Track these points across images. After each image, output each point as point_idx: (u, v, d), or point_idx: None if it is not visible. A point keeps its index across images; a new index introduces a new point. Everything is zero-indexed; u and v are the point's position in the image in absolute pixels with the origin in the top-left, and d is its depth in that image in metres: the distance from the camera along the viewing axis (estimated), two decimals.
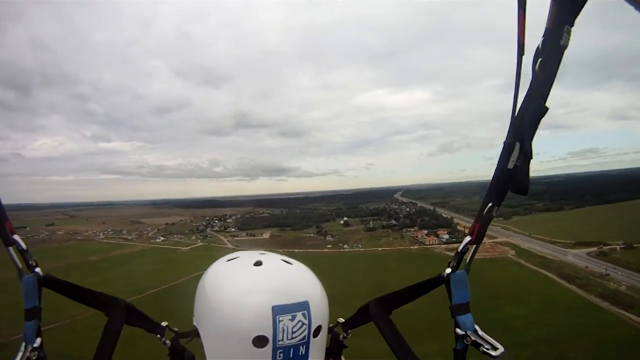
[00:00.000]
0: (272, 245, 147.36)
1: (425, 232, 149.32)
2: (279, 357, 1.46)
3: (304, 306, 1.51)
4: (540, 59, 1.37)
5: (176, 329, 1.97)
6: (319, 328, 1.57)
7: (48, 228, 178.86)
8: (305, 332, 1.49)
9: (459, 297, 1.78)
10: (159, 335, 2.00)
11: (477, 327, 1.75)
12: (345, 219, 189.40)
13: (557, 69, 1.36)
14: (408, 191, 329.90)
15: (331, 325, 2.26)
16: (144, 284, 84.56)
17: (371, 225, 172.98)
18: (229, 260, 1.77)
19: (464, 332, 1.73)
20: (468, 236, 1.80)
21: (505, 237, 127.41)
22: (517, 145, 1.48)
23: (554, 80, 1.37)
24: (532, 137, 1.48)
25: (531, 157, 1.49)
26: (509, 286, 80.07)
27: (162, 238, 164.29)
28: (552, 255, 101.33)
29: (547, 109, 1.41)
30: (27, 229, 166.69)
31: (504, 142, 1.55)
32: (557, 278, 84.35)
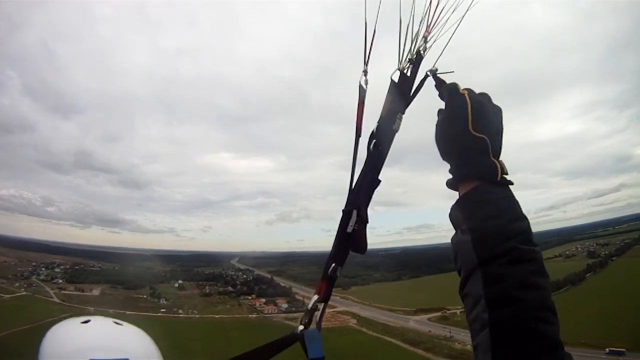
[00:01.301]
0: (102, 305, 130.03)
1: (264, 300, 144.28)
2: None
3: None
4: (374, 140, 1.64)
5: None
6: None
7: None
8: None
9: (314, 353, 1.77)
10: None
11: None
12: (180, 282, 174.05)
13: (388, 149, 1.66)
14: (245, 257, 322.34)
15: None
16: None
17: (207, 291, 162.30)
18: (68, 320, 1.74)
19: None
20: (316, 295, 1.83)
21: (345, 306, 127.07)
22: (355, 212, 1.66)
23: (385, 157, 1.66)
24: (368, 205, 1.69)
25: (367, 222, 1.70)
26: (353, 354, 77.53)
27: None
28: (394, 322, 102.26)
29: (379, 181, 1.68)
30: None
31: (343, 210, 1.72)
32: (401, 343, 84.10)
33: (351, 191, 1.70)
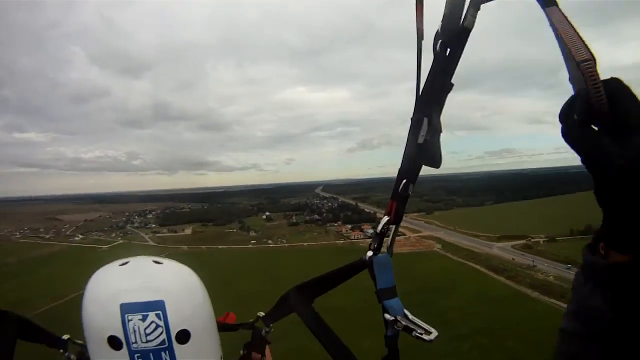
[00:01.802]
0: (195, 242, 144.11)
1: (350, 226, 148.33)
2: None
3: (157, 306, 1.37)
4: (440, 40, 1.38)
5: (81, 342, 1.76)
6: (184, 333, 1.41)
7: None
8: (164, 336, 1.35)
9: (384, 281, 1.68)
10: (61, 350, 1.87)
11: (406, 311, 1.65)
12: (267, 213, 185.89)
13: (460, 49, 1.37)
14: (328, 186, 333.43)
15: (251, 320, 2.29)
16: (64, 287, 75.57)
17: (294, 220, 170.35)
18: (108, 264, 1.63)
19: (393, 317, 1.62)
20: (386, 216, 1.67)
21: (430, 231, 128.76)
22: (425, 120, 1.46)
23: (458, 58, 1.38)
24: (440, 113, 1.48)
25: (440, 131, 1.49)
26: (439, 279, 79.63)
27: (80, 236, 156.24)
28: (478, 248, 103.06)
29: (452, 85, 1.42)
30: None
31: (412, 119, 1.52)
32: (485, 270, 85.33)
33: (419, 98, 1.51)
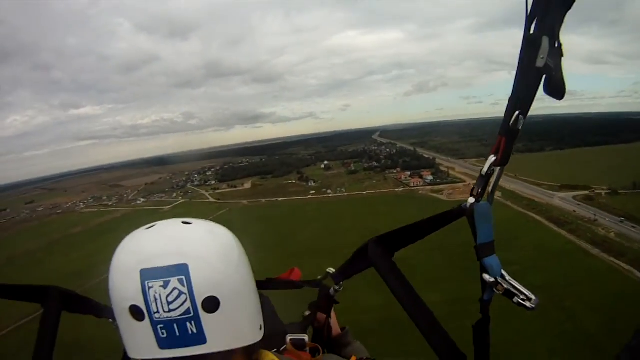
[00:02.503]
0: (255, 196, 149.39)
1: (409, 173, 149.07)
2: (162, 333, 1.22)
3: (180, 270, 1.23)
4: None
5: None
6: (213, 301, 1.26)
7: (28, 206, 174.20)
8: (188, 304, 1.22)
9: (484, 235, 1.43)
10: (110, 320, 1.82)
11: (504, 272, 1.44)
12: (325, 162, 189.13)
13: None
14: (386, 131, 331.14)
15: (319, 277, 2.24)
16: None
17: (352, 168, 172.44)
18: (136, 230, 1.47)
19: (494, 279, 1.42)
20: (492, 155, 1.40)
21: None
22: (546, 39, 1.21)
23: None
24: (560, 30, 1.24)
25: (562, 55, 1.24)
26: (499, 230, 73.82)
27: (142, 199, 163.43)
28: (539, 197, 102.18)
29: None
30: (8, 210, 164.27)
31: (526, 37, 1.24)
32: (545, 222, 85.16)
33: (531, 14, 1.22)
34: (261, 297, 1.69)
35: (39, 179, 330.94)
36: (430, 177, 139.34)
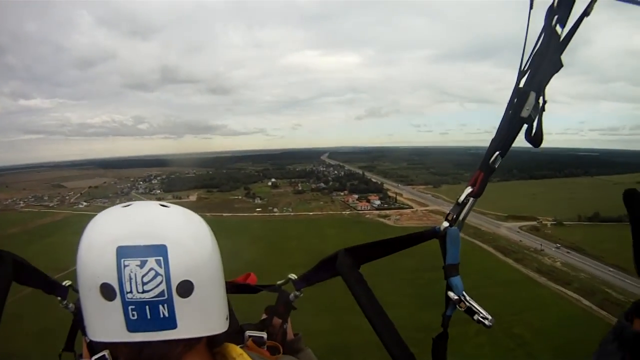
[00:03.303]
0: (200, 209, 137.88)
1: (356, 196, 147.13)
2: (132, 315, 1.18)
3: (158, 251, 1.21)
4: (556, 16, 1.35)
5: None
6: (187, 285, 1.24)
7: None
8: (163, 286, 1.19)
9: (452, 257, 1.61)
10: (59, 298, 1.78)
11: (464, 293, 1.57)
12: (273, 180, 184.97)
13: (575, 29, 1.35)
14: (335, 153, 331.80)
15: (279, 282, 2.23)
16: (67, 258, 76.67)
17: (300, 188, 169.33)
18: (111, 207, 1.45)
19: (457, 297, 1.55)
20: (469, 187, 1.61)
21: (437, 205, 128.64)
22: (533, 94, 1.40)
23: (570, 38, 1.36)
24: (545, 87, 1.42)
25: (544, 110, 1.45)
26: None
27: (85, 204, 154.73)
28: (486, 226, 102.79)
29: (561, 65, 1.38)
30: None
31: (516, 90, 1.45)
32: (493, 250, 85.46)
33: (522, 70, 1.44)
34: None
35: None
36: (377, 202, 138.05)
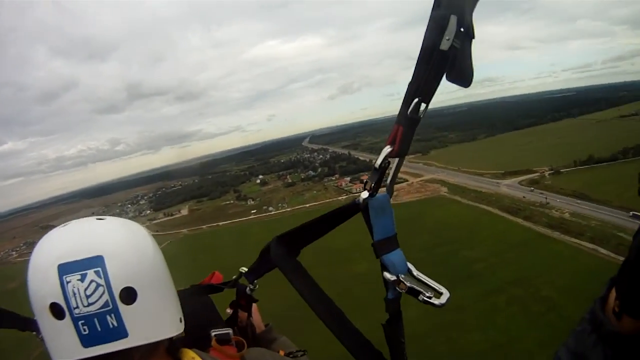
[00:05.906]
0: (194, 222, 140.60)
1: (349, 179, 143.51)
2: (84, 330, 1.19)
3: (96, 262, 1.22)
4: None
5: None
6: (130, 292, 1.25)
7: None
8: (106, 296, 1.20)
9: (382, 230, 1.41)
10: (35, 332, 1.80)
11: (411, 266, 1.38)
12: (260, 177, 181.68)
13: None
14: (315, 137, 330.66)
15: (234, 277, 2.26)
16: None
17: (290, 180, 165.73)
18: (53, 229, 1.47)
19: (395, 277, 1.35)
20: (388, 146, 1.35)
21: (431, 173, 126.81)
22: (453, 18, 1.12)
23: None
24: (473, 11, 1.15)
25: (473, 37, 1.18)
26: (455, 227, 77.09)
27: None
28: (486, 187, 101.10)
29: None
30: None
31: (432, 15, 1.16)
32: (499, 212, 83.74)
33: None
34: (205, 299, 2.08)
35: None
36: None
